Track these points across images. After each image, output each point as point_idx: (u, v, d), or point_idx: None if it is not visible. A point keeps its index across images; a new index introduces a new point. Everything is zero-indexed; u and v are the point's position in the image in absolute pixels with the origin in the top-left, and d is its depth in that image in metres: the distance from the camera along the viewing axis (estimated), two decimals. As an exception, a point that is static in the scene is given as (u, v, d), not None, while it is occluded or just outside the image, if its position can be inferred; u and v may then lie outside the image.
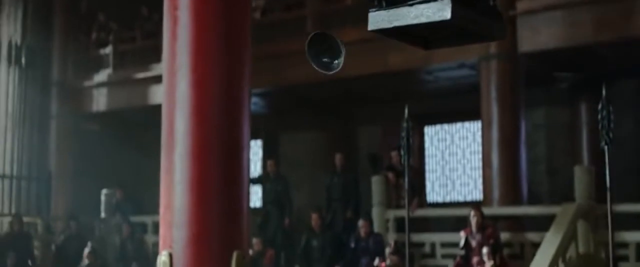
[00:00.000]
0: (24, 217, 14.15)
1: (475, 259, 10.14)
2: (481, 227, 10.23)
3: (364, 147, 15.52)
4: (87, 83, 16.52)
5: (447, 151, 15.01)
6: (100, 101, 16.47)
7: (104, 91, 16.42)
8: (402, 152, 8.57)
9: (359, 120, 15.96)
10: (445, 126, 15.01)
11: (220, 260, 6.37)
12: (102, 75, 16.33)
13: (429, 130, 15.12)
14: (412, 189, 11.97)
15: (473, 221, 10.26)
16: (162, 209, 6.58)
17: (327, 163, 14.61)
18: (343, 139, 15.75)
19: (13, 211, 15.21)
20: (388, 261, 10.35)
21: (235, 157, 6.59)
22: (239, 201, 6.60)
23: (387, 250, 10.49)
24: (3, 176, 15.99)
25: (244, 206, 6.65)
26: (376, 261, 10.53)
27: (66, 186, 16.44)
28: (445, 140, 15.01)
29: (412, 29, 2.91)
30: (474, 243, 10.25)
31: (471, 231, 10.31)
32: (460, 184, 14.82)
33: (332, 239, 12.09)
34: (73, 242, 13.68)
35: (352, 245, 11.45)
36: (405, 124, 8.33)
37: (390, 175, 12.18)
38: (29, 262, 13.24)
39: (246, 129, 6.73)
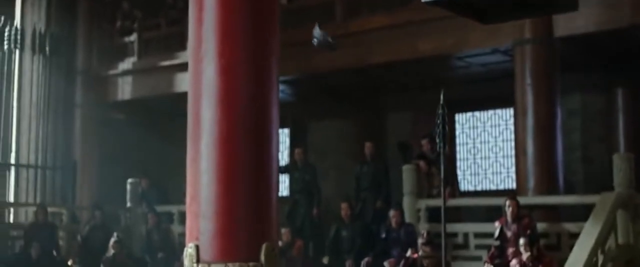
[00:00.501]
0: (49, 207, 13.98)
1: (510, 250, 9.83)
2: (517, 217, 9.93)
3: (393, 135, 15.25)
4: (111, 71, 16.38)
5: (479, 138, 14.69)
6: (125, 90, 16.32)
7: (128, 79, 16.27)
8: (437, 140, 8.27)
9: (388, 108, 15.67)
10: (477, 113, 14.68)
11: (248, 252, 6.12)
12: (126, 64, 16.19)
13: (460, 118, 14.79)
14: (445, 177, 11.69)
15: (508, 210, 9.96)
16: (188, 200, 6.32)
17: (355, 152, 14.39)
18: (371, 127, 15.47)
19: (38, 200, 15.02)
20: (421, 252, 10.05)
21: (264, 146, 6.33)
22: (268, 191, 6.34)
23: (420, 241, 10.18)
24: (28, 166, 15.82)
25: (273, 196, 6.40)
26: (408, 252, 10.22)
27: (91, 175, 16.36)
28: (477, 127, 14.68)
29: (471, 0, 2.60)
30: (509, 233, 9.95)
31: (506, 221, 10.01)
32: (492, 173, 14.50)
33: (362, 230, 11.86)
34: (98, 232, 13.49)
35: (383, 235, 11.21)
36: (440, 111, 8.04)
37: (422, 163, 11.88)
38: (54, 252, 13.08)
39: (275, 116, 6.47)
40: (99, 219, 13.66)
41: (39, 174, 15.95)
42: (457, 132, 14.79)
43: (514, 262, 9.47)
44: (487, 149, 14.58)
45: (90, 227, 13.67)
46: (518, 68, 11.30)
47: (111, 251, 12.46)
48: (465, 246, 11.09)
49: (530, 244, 9.29)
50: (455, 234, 11.03)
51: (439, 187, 11.71)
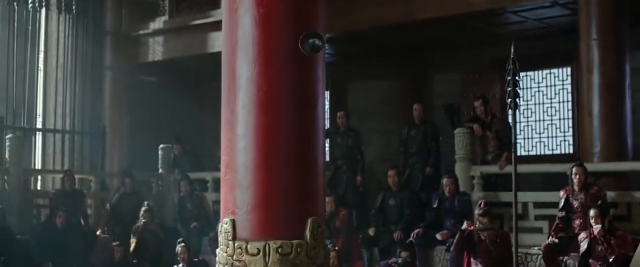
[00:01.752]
0: (77, 174, 13.49)
1: (577, 222, 8.98)
2: (584, 186, 9.05)
3: (440, 96, 14.47)
4: (142, 31, 15.79)
5: (532, 100, 13.78)
6: (156, 50, 15.79)
7: (160, 40, 15.70)
8: (507, 99, 7.43)
9: (434, 68, 14.88)
10: (530, 73, 13.74)
11: (292, 228, 5.34)
12: (158, 23, 15.58)
13: (512, 78, 13.90)
14: (501, 142, 10.89)
15: (575, 178, 9.08)
16: (223, 168, 5.52)
17: (399, 115, 13.73)
18: (417, 88, 14.69)
19: (65, 167, 14.48)
20: (478, 224, 9.17)
21: (309, 106, 5.51)
22: (314, 158, 5.53)
23: (476, 211, 9.31)
24: (55, 131, 15.32)
25: (320, 164, 5.58)
26: (464, 225, 9.33)
27: (121, 140, 15.93)
28: (531, 88, 13.76)
29: None
30: (575, 204, 9.08)
31: (572, 190, 9.13)
32: (547, 137, 13.61)
33: (410, 198, 11.12)
34: (128, 200, 13.05)
35: (435, 205, 10.41)
36: (511, 66, 7.20)
37: (476, 126, 11.08)
38: (82, 221, 12.54)
39: (321, 74, 5.62)
40: (129, 186, 13.21)
41: (67, 139, 15.47)
42: (509, 93, 13.93)
43: (582, 235, 8.62)
44: (541, 111, 13.67)
45: (120, 195, 13.23)
46: (583, 21, 10.37)
47: (142, 220, 12.05)
48: (524, 216, 10.25)
49: (601, 216, 8.41)
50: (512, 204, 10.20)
51: (494, 152, 11.11)
